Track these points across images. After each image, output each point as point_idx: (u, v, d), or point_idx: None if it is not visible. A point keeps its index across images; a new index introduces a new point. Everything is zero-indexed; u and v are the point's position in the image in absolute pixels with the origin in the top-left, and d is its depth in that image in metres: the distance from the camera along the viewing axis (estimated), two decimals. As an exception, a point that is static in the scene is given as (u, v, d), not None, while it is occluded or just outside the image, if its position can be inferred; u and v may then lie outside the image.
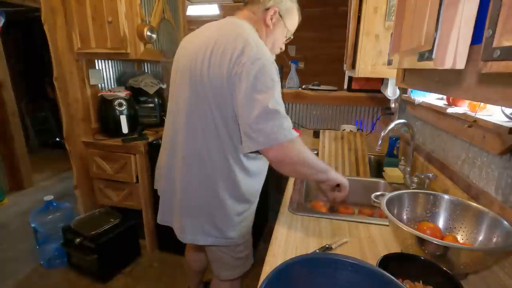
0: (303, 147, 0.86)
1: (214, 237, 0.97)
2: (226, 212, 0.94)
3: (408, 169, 1.24)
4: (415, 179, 1.16)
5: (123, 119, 1.95)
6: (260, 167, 1.02)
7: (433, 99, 1.25)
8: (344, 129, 1.85)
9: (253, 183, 1.00)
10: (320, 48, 3.83)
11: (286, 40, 1.06)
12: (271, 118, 0.78)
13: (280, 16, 0.95)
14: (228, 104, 0.84)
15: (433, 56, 0.47)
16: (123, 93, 1.97)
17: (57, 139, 4.57)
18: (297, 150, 0.84)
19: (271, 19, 0.94)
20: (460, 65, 0.44)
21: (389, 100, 1.87)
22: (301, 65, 3.80)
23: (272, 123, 0.78)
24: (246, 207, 1.00)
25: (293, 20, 1.01)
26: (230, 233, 0.97)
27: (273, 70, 0.81)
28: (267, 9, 0.92)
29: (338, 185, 0.99)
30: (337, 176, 0.97)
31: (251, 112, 0.78)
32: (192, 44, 0.92)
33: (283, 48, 1.07)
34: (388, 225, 0.90)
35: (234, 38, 0.81)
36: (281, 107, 0.81)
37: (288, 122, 0.81)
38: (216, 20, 0.94)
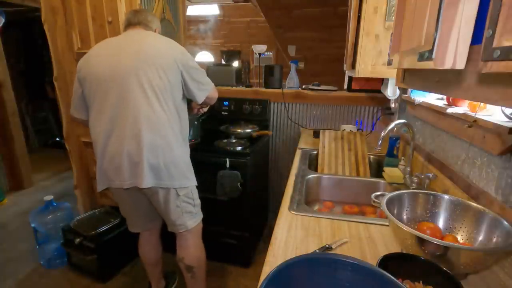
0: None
1: (180, 179, 1.25)
2: (183, 155, 1.29)
3: (408, 169, 1.24)
4: (415, 179, 1.16)
5: (123, 119, 1.94)
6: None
7: (433, 99, 1.25)
8: (344, 129, 1.85)
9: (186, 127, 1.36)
10: (320, 48, 3.83)
11: None
12: (205, 74, 1.35)
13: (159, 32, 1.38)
14: (176, 80, 1.22)
15: (433, 56, 0.47)
16: (123, 93, 1.96)
17: (57, 139, 4.57)
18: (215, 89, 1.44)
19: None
20: (460, 65, 0.44)
21: (389, 100, 1.87)
22: (301, 65, 3.80)
23: (206, 77, 1.36)
24: (187, 150, 1.35)
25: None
26: (189, 174, 1.31)
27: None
28: (155, 30, 1.35)
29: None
30: None
31: (199, 78, 1.30)
32: (118, 54, 1.19)
33: None
34: (388, 225, 0.90)
35: (171, 46, 1.25)
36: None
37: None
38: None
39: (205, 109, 1.58)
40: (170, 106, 1.21)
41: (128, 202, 1.38)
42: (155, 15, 1.44)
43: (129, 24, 1.30)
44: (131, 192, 1.28)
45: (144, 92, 1.15)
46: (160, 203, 1.27)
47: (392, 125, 1.14)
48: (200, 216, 1.43)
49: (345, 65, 1.66)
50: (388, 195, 0.80)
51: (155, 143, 1.16)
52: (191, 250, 1.42)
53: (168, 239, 1.52)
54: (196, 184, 1.36)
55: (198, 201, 1.40)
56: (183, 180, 1.27)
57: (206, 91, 1.34)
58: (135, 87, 1.14)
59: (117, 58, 1.18)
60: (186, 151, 1.34)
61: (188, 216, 1.35)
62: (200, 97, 1.32)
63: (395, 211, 0.81)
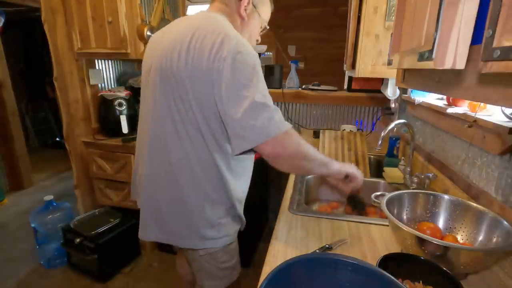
0: (299, 139, 0.79)
1: (194, 239, 0.89)
2: (207, 214, 0.87)
3: (408, 169, 1.24)
4: (415, 179, 1.16)
5: (123, 119, 1.95)
6: (244, 167, 0.94)
7: (433, 99, 1.25)
8: (344, 129, 1.85)
9: (240, 183, 0.93)
10: (320, 48, 3.83)
11: (262, 31, 0.99)
12: (260, 111, 0.72)
13: (254, 6, 0.90)
14: (210, 101, 0.76)
15: (433, 56, 0.47)
16: (123, 93, 1.97)
17: (57, 139, 4.57)
18: (293, 142, 0.77)
19: (245, 10, 0.88)
20: (460, 65, 0.44)
21: (389, 100, 1.87)
22: (301, 65, 3.80)
23: (262, 117, 0.72)
24: (228, 209, 0.91)
25: (267, 9, 0.95)
26: (208, 233, 0.89)
27: (256, 62, 0.76)
28: (240, 0, 0.87)
29: (347, 176, 0.94)
30: (341, 167, 0.91)
31: (237, 108, 0.72)
32: (161, 42, 0.84)
33: (259, 39, 1.01)
34: (388, 225, 0.90)
35: (212, 32, 0.75)
36: (269, 100, 0.75)
37: (278, 114, 0.76)
38: None
39: None
40: (195, 137, 0.82)
41: None
42: None
43: None
44: None
45: (157, 110, 0.85)
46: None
47: (392, 125, 1.14)
48: (228, 280, 1.02)
49: (345, 65, 1.66)
50: (388, 195, 0.80)
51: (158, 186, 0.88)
52: None
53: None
54: (231, 242, 0.97)
55: (229, 264, 0.98)
56: (202, 243, 0.89)
57: (248, 139, 0.81)
58: (150, 101, 0.87)
59: (154, 54, 0.86)
60: (221, 203, 0.90)
61: (207, 276, 0.98)
62: (232, 148, 0.84)
63: (395, 211, 0.81)
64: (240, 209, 0.95)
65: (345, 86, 2.24)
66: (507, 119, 0.78)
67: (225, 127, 0.78)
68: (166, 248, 2.10)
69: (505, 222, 0.66)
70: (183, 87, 0.78)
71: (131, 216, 1.96)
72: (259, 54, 2.51)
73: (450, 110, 1.00)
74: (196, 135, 0.81)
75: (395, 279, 0.48)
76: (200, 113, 0.79)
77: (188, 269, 1.23)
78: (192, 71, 0.76)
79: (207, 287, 1.00)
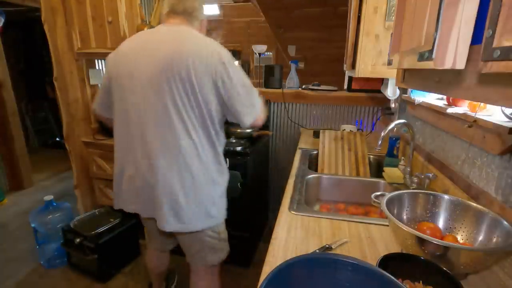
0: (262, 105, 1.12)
1: (203, 219, 1.07)
2: (212, 195, 1.07)
3: (408, 169, 1.24)
4: (415, 179, 1.16)
5: (123, 119, 1.94)
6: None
7: (433, 99, 1.25)
8: (344, 129, 1.85)
9: (222, 159, 1.14)
10: (320, 48, 3.83)
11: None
12: (253, 92, 1.05)
13: (205, 24, 1.17)
14: (212, 100, 0.99)
15: (433, 56, 0.47)
16: (123, 93, 1.96)
17: (57, 139, 4.57)
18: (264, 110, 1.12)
19: (203, 27, 1.15)
20: (460, 65, 0.44)
21: (389, 100, 1.87)
22: (301, 65, 3.80)
23: (255, 96, 1.06)
24: (224, 189, 1.14)
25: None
26: (213, 211, 1.08)
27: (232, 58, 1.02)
28: (201, 20, 1.12)
29: None
30: None
31: (242, 95, 1.00)
32: (148, 52, 0.99)
33: None
34: (388, 225, 0.90)
35: (206, 47, 0.97)
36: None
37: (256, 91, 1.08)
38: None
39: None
40: (200, 130, 1.00)
41: (145, 223, 1.31)
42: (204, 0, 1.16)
43: (171, 12, 1.05)
44: (149, 220, 1.17)
45: (166, 111, 0.95)
46: (181, 236, 1.14)
47: (392, 125, 1.14)
48: (225, 252, 1.24)
49: (345, 65, 1.66)
50: (388, 195, 0.80)
51: (172, 177, 0.99)
52: None
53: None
54: (225, 218, 1.17)
55: (224, 235, 1.21)
56: (209, 221, 1.09)
57: (252, 114, 1.05)
58: (157, 103, 0.96)
59: (142, 62, 0.98)
60: (220, 184, 1.11)
61: (210, 251, 1.17)
62: (245, 122, 1.04)
63: (395, 211, 0.81)
64: (226, 177, 1.17)
65: (345, 86, 2.23)
66: (507, 119, 0.78)
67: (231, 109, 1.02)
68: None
69: (505, 222, 0.66)
70: (192, 87, 0.95)
71: (131, 216, 1.95)
72: (259, 54, 2.51)
73: (450, 110, 1.00)
74: (201, 128, 1.00)
75: (395, 279, 0.48)
76: (205, 107, 0.98)
77: (161, 261, 1.44)
78: (201, 74, 0.95)
79: (212, 260, 1.20)
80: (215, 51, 0.97)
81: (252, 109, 1.04)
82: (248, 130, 2.04)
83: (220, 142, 1.09)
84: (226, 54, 0.99)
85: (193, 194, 1.02)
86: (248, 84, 1.03)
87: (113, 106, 1.07)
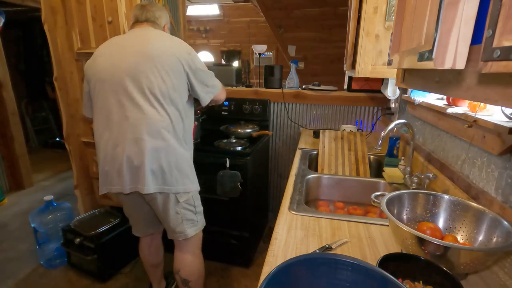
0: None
1: (186, 182, 1.24)
2: (188, 160, 1.27)
3: (408, 169, 1.24)
4: (415, 179, 1.16)
5: (123, 119, 1.95)
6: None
7: (433, 99, 1.26)
8: (344, 129, 1.85)
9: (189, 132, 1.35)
10: (320, 48, 3.83)
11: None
12: (212, 76, 1.33)
13: (168, 28, 1.39)
14: (185, 86, 1.23)
15: (433, 56, 0.47)
16: (123, 93, 1.97)
17: (57, 139, 4.57)
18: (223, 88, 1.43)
19: (166, 30, 1.36)
20: (460, 65, 0.44)
21: (389, 100, 1.87)
22: (301, 65, 3.80)
23: (214, 79, 1.34)
24: (192, 156, 1.35)
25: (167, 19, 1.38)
26: (191, 178, 1.28)
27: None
28: (163, 26, 1.34)
29: None
30: None
31: (205, 80, 1.27)
32: (131, 53, 1.16)
33: None
34: (388, 225, 0.90)
35: (176, 45, 1.20)
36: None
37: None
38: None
39: (203, 108, 1.57)
40: (173, 109, 1.18)
41: (129, 206, 1.37)
42: (164, 9, 1.36)
43: (136, 21, 1.27)
44: (132, 197, 1.27)
45: (144, 95, 1.13)
46: (159, 209, 1.25)
47: (392, 125, 1.14)
48: (201, 224, 1.39)
49: (345, 65, 1.66)
50: (388, 195, 0.80)
51: (157, 147, 1.14)
52: (188, 261, 1.39)
53: (170, 239, 1.52)
54: (199, 189, 1.34)
55: (200, 208, 1.36)
56: (186, 184, 1.24)
57: (211, 93, 1.31)
58: (135, 90, 1.13)
59: (119, 59, 1.16)
60: (190, 154, 1.32)
61: (188, 223, 1.31)
62: (205, 100, 1.30)
63: (395, 211, 0.81)
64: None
65: (345, 86, 2.24)
66: (507, 119, 0.78)
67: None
68: (165, 248, 2.09)
69: (505, 222, 0.66)
70: (166, 74, 1.15)
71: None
72: (259, 54, 2.51)
73: (450, 110, 1.00)
74: (176, 111, 1.21)
75: (395, 279, 0.48)
76: (179, 95, 1.21)
77: (152, 248, 1.54)
78: (174, 66, 1.17)
79: (190, 233, 1.33)
80: (181, 44, 1.23)
81: (212, 89, 1.32)
82: (248, 130, 2.04)
83: (188, 118, 1.31)
84: (189, 46, 1.26)
85: (173, 159, 1.19)
86: (207, 70, 1.30)
87: (93, 103, 1.22)
